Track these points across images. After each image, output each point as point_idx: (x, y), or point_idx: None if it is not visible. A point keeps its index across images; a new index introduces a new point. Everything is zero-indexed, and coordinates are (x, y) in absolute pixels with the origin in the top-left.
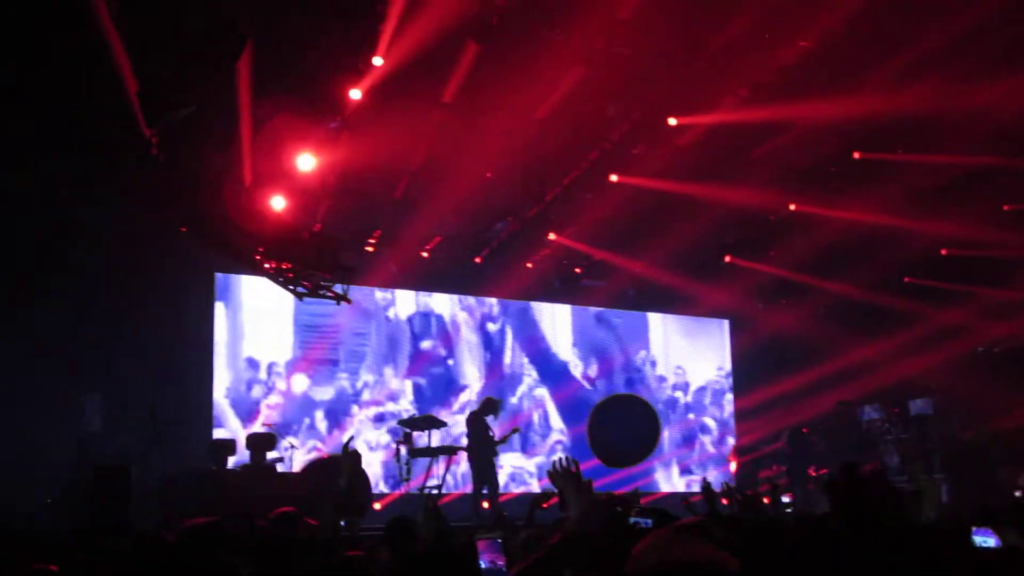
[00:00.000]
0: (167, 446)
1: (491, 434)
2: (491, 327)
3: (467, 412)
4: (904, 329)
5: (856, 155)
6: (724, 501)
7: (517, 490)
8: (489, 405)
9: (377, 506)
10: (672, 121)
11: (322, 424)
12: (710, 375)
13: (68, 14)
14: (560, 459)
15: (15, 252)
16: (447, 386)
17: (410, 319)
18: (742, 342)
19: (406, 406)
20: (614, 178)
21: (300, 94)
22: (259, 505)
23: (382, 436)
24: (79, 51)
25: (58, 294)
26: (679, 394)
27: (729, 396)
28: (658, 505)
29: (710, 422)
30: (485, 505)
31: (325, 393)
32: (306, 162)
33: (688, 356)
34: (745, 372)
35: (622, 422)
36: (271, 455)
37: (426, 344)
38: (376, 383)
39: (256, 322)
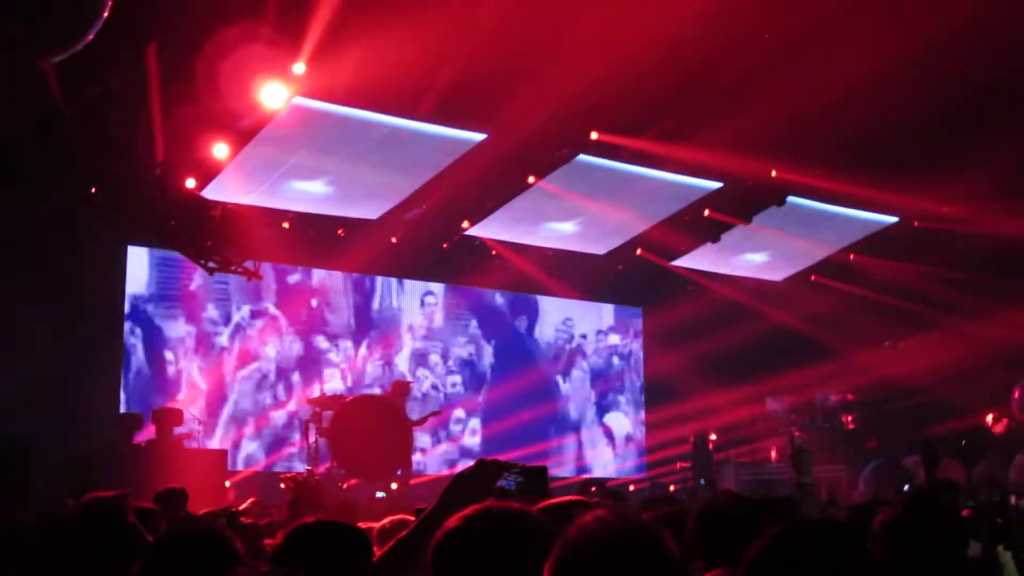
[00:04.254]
0: (74, 421)
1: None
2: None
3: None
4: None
5: None
6: None
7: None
8: (401, 387)
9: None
10: (594, 135)
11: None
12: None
13: None
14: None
15: None
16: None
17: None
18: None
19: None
20: (531, 180)
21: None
22: (161, 483)
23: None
24: None
25: None
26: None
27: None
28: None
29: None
30: (394, 486)
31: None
32: (220, 150)
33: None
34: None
35: None
36: (179, 431)
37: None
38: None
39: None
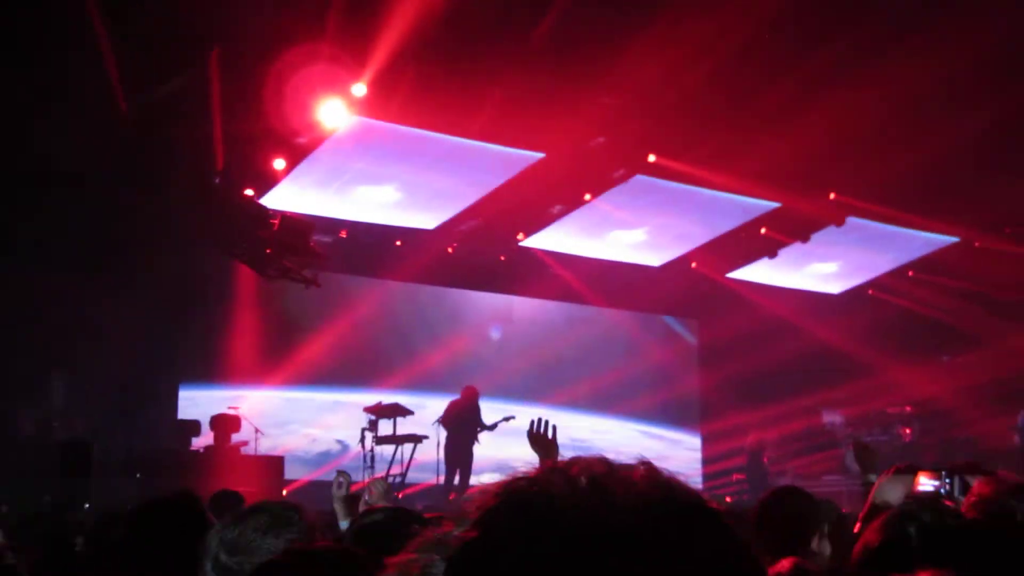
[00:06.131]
0: (132, 425)
1: (478, 419)
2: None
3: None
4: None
5: None
6: None
7: None
8: (470, 392)
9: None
10: (651, 157)
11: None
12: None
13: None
14: (537, 420)
15: None
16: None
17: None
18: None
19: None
20: (587, 196)
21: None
22: (218, 488)
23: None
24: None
25: (22, 272)
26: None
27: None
28: None
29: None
30: (452, 497)
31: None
32: (278, 163)
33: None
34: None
35: None
36: (236, 438)
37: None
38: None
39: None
